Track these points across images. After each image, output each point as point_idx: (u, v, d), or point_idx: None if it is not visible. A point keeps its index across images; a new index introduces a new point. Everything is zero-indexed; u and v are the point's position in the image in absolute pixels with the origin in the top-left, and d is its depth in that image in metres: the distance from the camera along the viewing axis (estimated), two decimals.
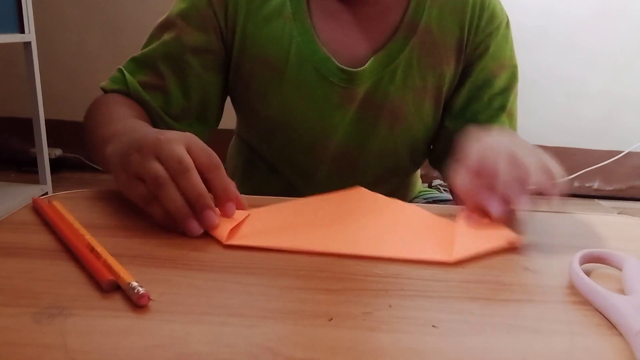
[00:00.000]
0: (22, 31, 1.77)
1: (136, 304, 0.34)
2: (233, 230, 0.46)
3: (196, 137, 0.48)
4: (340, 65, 0.68)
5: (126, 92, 0.69)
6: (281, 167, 0.79)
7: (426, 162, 0.85)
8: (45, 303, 0.35)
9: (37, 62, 1.83)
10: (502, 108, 0.73)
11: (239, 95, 0.75)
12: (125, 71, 0.70)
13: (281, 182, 0.80)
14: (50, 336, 0.31)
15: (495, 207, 0.47)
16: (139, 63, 0.71)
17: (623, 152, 2.34)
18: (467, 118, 0.74)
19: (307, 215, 0.52)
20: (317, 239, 0.46)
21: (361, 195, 0.59)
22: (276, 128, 0.74)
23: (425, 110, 0.73)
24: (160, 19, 0.71)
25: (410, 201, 0.88)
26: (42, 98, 1.86)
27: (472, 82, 0.73)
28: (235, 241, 0.44)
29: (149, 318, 0.33)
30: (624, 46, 2.25)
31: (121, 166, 0.48)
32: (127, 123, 0.59)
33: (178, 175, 0.44)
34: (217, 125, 0.77)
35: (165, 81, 0.69)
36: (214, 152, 0.47)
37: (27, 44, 1.79)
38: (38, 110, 1.84)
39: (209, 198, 0.45)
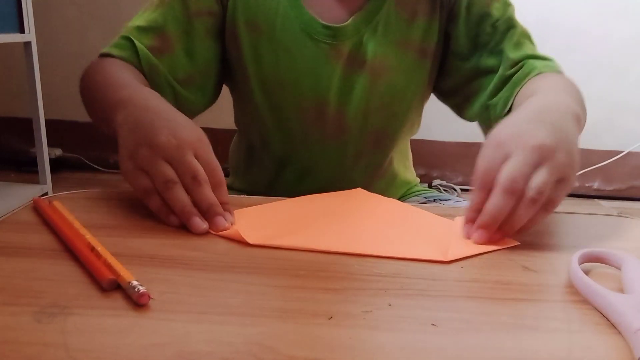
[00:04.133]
0: (22, 31, 1.76)
1: (136, 302, 0.35)
2: (246, 229, 0.47)
3: (205, 142, 0.51)
4: (324, 22, 0.72)
5: (134, 59, 0.69)
6: (276, 139, 0.79)
7: (423, 160, 0.84)
8: (45, 302, 0.35)
9: (37, 62, 1.82)
10: (510, 28, 0.73)
11: (234, 61, 0.77)
12: (133, 38, 0.69)
13: (276, 165, 0.81)
14: (51, 335, 0.31)
15: (476, 236, 0.47)
16: (144, 29, 0.71)
17: (623, 152, 2.34)
18: (479, 52, 0.74)
19: (310, 214, 0.53)
20: (320, 238, 0.47)
21: (361, 196, 0.60)
22: (269, 93, 0.76)
23: (408, 63, 0.75)
24: None
25: (407, 196, 0.88)
26: (42, 98, 1.86)
27: (468, 21, 0.74)
28: (259, 241, 0.45)
29: (149, 317, 0.34)
30: (623, 48, 2.25)
31: (129, 155, 0.50)
32: (137, 90, 0.59)
33: (192, 188, 0.48)
34: (215, 99, 0.79)
35: (172, 45, 0.71)
36: (219, 165, 0.51)
37: (27, 44, 1.79)
38: (38, 110, 1.84)
39: (220, 206, 0.49)
